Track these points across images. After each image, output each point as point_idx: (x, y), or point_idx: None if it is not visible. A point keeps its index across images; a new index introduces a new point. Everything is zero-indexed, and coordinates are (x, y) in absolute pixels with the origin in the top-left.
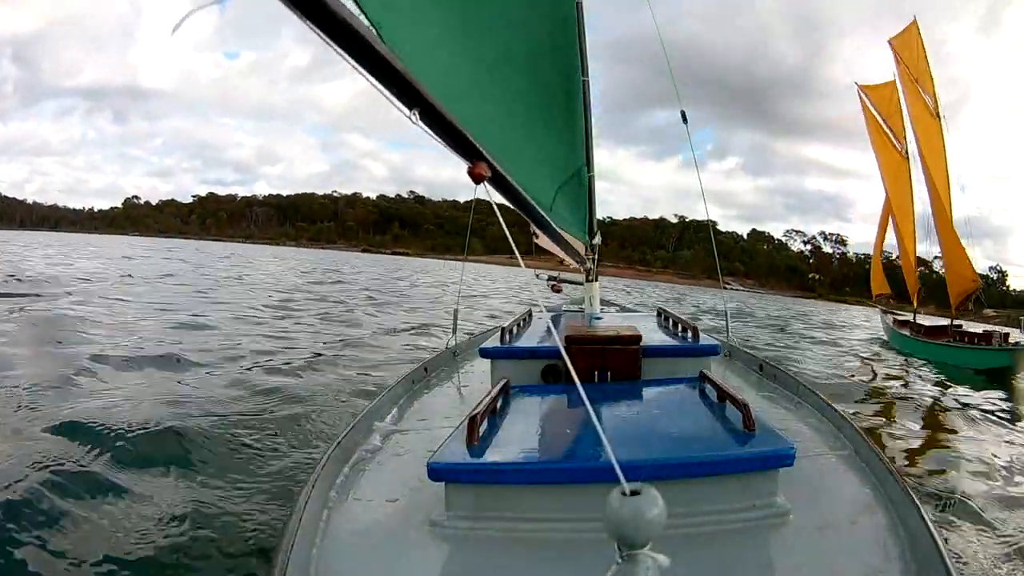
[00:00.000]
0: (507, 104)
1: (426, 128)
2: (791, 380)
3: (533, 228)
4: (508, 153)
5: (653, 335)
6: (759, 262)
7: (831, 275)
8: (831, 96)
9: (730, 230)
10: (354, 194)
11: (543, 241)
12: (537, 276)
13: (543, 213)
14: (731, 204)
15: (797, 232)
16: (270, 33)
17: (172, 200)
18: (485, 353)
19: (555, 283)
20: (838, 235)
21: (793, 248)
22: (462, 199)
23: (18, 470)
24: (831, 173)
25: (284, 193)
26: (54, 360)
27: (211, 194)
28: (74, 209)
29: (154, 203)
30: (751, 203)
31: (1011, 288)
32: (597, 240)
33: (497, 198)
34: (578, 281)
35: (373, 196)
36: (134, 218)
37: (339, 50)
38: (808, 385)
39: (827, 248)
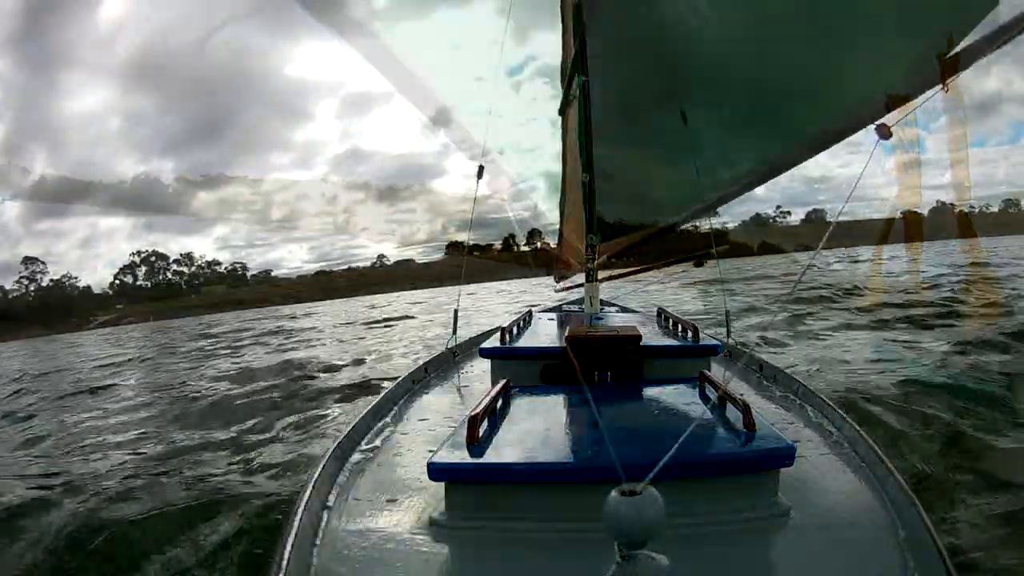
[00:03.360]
0: None
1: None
2: (791, 380)
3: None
4: None
5: (653, 335)
6: None
7: None
8: None
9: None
10: None
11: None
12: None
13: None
14: None
15: None
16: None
17: None
18: (485, 353)
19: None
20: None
21: None
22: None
23: None
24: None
25: None
26: None
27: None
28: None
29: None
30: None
31: None
32: (597, 240)
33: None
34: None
35: None
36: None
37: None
38: (808, 385)
39: None
